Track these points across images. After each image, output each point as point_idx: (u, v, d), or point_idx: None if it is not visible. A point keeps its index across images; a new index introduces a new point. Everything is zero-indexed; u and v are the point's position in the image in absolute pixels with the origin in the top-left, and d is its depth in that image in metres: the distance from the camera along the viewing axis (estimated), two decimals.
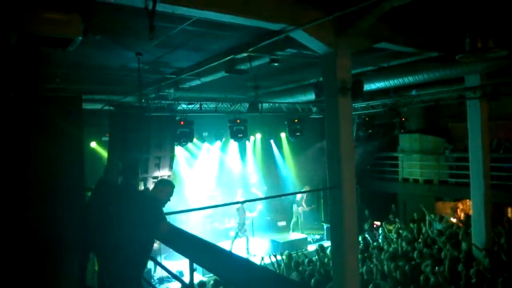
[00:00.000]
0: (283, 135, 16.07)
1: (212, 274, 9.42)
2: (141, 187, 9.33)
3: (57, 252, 4.97)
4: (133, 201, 3.97)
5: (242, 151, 15.91)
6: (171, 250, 8.91)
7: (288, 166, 16.80)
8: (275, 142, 16.65)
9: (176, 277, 4.20)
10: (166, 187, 4.06)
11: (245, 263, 3.12)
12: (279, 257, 10.38)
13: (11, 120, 5.26)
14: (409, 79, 9.04)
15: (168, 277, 10.15)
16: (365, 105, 12.25)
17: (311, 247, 13.04)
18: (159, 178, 8.55)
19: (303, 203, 15.13)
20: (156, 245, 10.48)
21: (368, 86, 9.51)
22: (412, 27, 7.12)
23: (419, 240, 11.06)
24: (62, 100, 6.75)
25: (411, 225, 12.62)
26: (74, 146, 5.79)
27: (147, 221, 3.74)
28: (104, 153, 11.26)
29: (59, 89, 9.38)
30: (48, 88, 9.15)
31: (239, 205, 12.80)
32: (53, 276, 4.85)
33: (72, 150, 5.72)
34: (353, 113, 7.86)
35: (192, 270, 3.34)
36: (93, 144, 11.86)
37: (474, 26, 4.43)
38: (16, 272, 4.54)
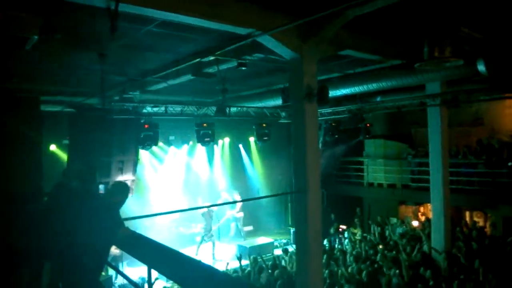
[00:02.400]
0: (251, 139, 16.07)
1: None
2: (101, 191, 9.06)
3: (9, 259, 4.73)
4: (88, 206, 3.83)
5: (210, 155, 15.79)
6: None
7: (256, 170, 16.82)
8: (243, 146, 16.64)
9: (136, 285, 4.10)
10: (120, 190, 3.95)
11: (205, 269, 3.07)
12: (245, 262, 10.35)
13: None
14: (373, 86, 9.28)
15: (129, 284, 9.87)
16: (331, 110, 12.47)
17: (278, 251, 13.08)
18: (113, 181, 8.31)
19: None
20: (117, 251, 10.19)
21: (334, 92, 9.69)
22: (376, 35, 7.33)
23: (382, 243, 11.34)
24: (19, 101, 6.47)
25: (375, 228, 12.89)
26: (32, 149, 5.56)
27: (103, 226, 3.62)
28: (64, 156, 10.87)
29: (17, 89, 8.96)
30: (4, 88, 8.73)
31: (205, 210, 12.69)
32: (3, 285, 4.61)
33: (29, 154, 5.49)
34: (319, 118, 8.00)
35: (150, 277, 3.26)
36: (53, 147, 11.44)
37: (432, 35, 4.60)
38: None
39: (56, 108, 9.90)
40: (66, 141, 10.17)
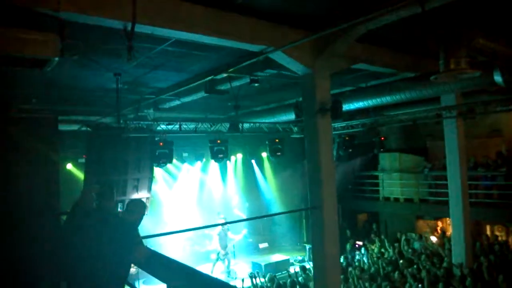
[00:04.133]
0: (264, 154, 16.03)
1: None
2: (119, 210, 9.10)
3: (29, 278, 4.74)
4: (108, 226, 3.82)
5: (223, 171, 15.78)
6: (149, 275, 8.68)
7: (269, 186, 16.72)
8: (256, 162, 16.59)
9: None
10: (137, 208, 3.93)
11: (223, 286, 3.03)
12: (260, 280, 10.19)
13: None
14: (386, 99, 9.20)
15: None
16: (344, 124, 12.39)
17: (293, 269, 12.86)
18: (129, 199, 8.33)
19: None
20: (133, 269, 10.15)
21: (347, 106, 9.64)
22: (389, 48, 7.30)
23: (401, 261, 11.05)
24: (37, 121, 6.59)
25: (390, 245, 12.62)
26: (49, 169, 5.62)
27: (122, 246, 3.60)
28: (80, 175, 10.97)
29: (36, 110, 9.16)
30: (24, 109, 8.93)
31: (220, 229, 12.59)
32: None
33: (47, 173, 5.55)
34: (333, 132, 7.94)
35: None
36: (69, 166, 11.57)
37: (448, 47, 4.55)
38: None
39: (72, 127, 10.05)
40: (82, 160, 10.28)
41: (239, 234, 13.74)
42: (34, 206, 5.15)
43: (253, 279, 9.84)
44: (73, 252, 3.99)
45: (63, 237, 4.39)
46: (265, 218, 16.47)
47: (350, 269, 10.69)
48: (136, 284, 10.42)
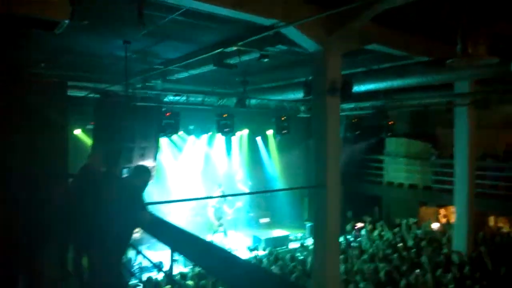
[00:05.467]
0: (270, 132, 16.02)
1: (191, 266, 9.46)
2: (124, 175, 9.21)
3: (38, 239, 4.86)
4: (113, 189, 3.89)
5: (229, 146, 15.84)
6: (153, 240, 8.83)
7: (273, 163, 16.79)
8: (262, 139, 16.61)
9: (157, 266, 4.19)
10: (142, 173, 3.99)
11: (227, 254, 3.11)
12: (260, 252, 10.38)
13: None
14: (398, 83, 9.06)
15: (148, 266, 10.08)
16: (353, 106, 12.26)
17: (293, 245, 13.06)
18: (135, 165, 8.41)
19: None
20: (138, 235, 10.38)
21: (358, 88, 9.49)
22: (404, 30, 7.12)
23: (400, 244, 11.15)
24: (46, 85, 6.60)
25: (393, 229, 12.69)
26: (58, 132, 5.68)
27: (127, 209, 3.67)
28: (88, 141, 11.10)
29: (45, 74, 9.17)
30: (32, 73, 8.93)
31: (215, 201, 12.69)
32: (34, 263, 4.75)
33: (55, 136, 5.61)
34: (341, 113, 7.85)
35: (172, 259, 3.31)
36: (78, 132, 11.67)
37: (466, 31, 4.41)
38: None
39: (81, 93, 10.06)
40: (90, 126, 10.36)
41: (233, 208, 13.87)
42: (43, 168, 5.24)
43: (253, 251, 10.04)
44: (79, 214, 4.09)
45: (70, 198, 4.48)
46: (267, 194, 16.63)
47: (350, 249, 10.85)
48: (140, 249, 10.69)
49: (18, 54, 7.73)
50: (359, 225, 13.88)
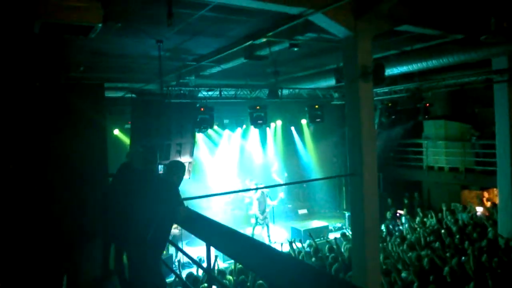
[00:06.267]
0: (304, 121, 15.93)
1: (232, 261, 9.61)
2: (161, 172, 9.49)
3: (81, 238, 5.14)
4: (152, 186, 4.02)
5: (263, 138, 15.92)
6: (192, 236, 9.06)
7: (309, 153, 16.71)
8: (296, 129, 16.55)
9: (196, 263, 4.29)
10: (176, 168, 4.07)
11: (265, 248, 3.08)
12: (299, 245, 10.40)
13: (37, 108, 5.44)
14: (433, 63, 8.76)
15: (189, 262, 10.32)
16: (387, 90, 11.98)
17: (332, 235, 12.97)
18: (169, 161, 8.60)
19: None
20: (177, 231, 10.66)
21: (390, 71, 9.30)
22: (435, 8, 6.85)
23: (443, 230, 10.84)
24: (85, 87, 6.93)
25: (433, 215, 12.34)
26: (97, 133, 5.95)
27: (165, 205, 3.78)
28: (126, 140, 11.49)
29: (83, 78, 9.57)
30: (72, 77, 9.36)
31: (259, 194, 12.81)
32: (77, 262, 5.02)
33: (96, 137, 5.88)
34: (375, 98, 7.74)
35: (209, 253, 3.36)
36: (116, 132, 12.11)
37: (501, 6, 4.23)
38: (40, 258, 4.70)
39: (118, 94, 10.44)
40: (128, 126, 10.71)
41: (275, 200, 13.95)
42: (84, 168, 5.51)
43: (292, 244, 10.06)
44: (119, 212, 4.26)
45: (110, 196, 4.68)
46: (304, 185, 16.58)
47: (390, 237, 10.65)
48: (180, 245, 11.00)
49: (58, 59, 8.14)
50: (400, 212, 13.60)
